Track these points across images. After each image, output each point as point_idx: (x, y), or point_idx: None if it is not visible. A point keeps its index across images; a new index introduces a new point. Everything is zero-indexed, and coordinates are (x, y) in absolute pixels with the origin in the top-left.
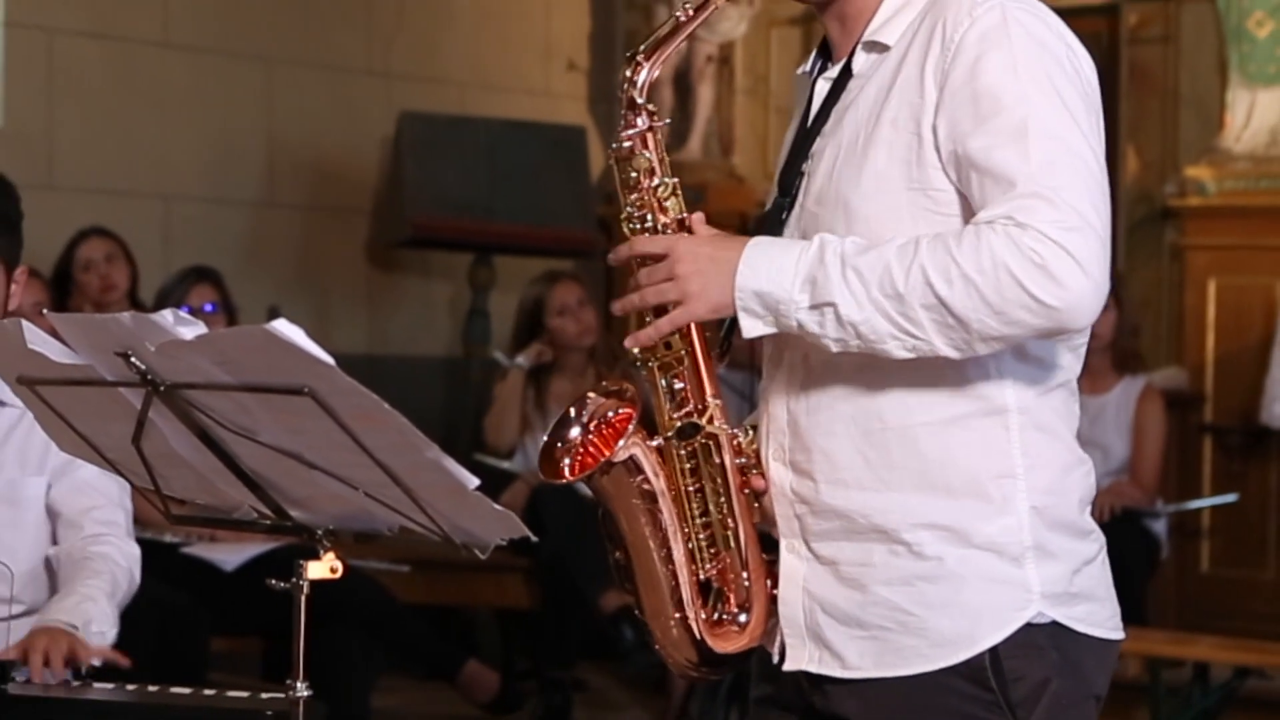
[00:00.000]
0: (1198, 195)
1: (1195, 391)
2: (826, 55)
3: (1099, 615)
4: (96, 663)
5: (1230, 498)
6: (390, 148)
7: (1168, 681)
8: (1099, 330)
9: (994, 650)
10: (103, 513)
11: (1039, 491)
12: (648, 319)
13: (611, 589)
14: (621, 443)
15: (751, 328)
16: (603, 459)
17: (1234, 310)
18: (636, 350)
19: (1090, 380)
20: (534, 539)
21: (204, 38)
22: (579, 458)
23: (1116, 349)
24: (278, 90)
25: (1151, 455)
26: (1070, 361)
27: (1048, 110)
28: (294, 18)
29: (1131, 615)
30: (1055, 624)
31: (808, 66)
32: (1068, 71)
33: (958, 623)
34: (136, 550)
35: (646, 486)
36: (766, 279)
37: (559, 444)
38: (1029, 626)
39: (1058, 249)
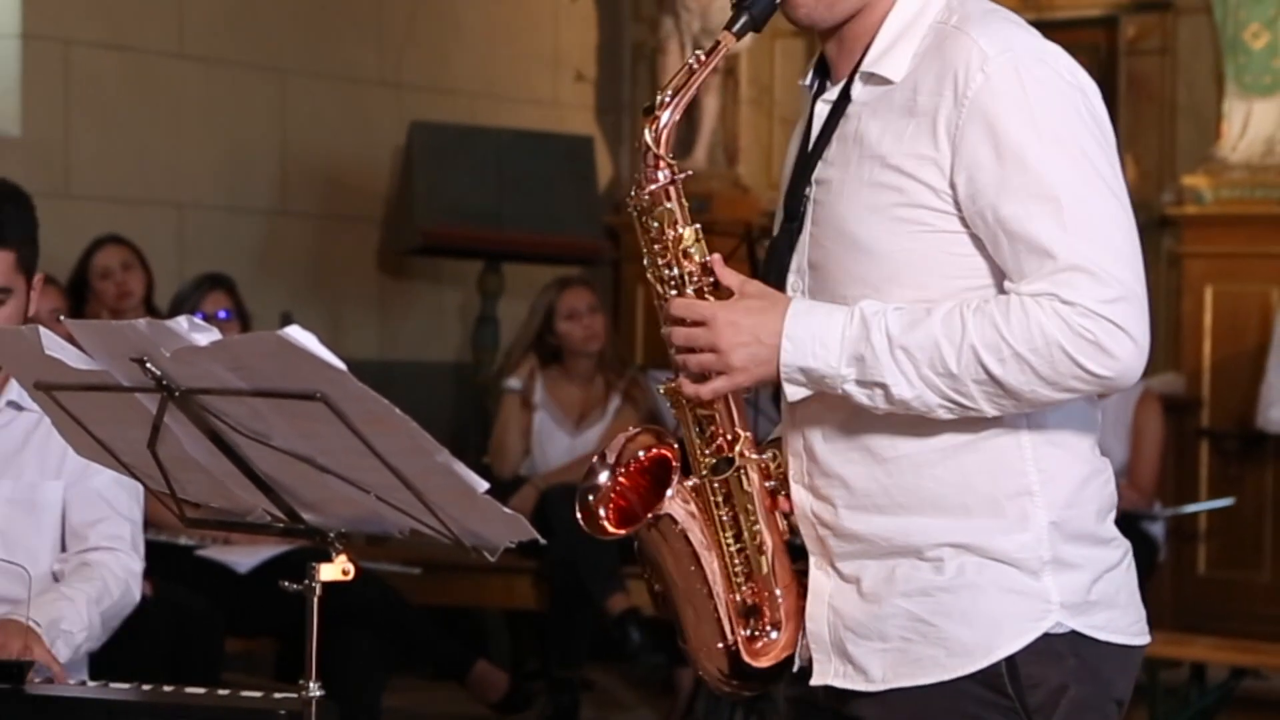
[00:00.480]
0: (1194, 204)
1: (1192, 396)
2: (824, 74)
3: (1120, 622)
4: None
5: (1227, 501)
6: (401, 157)
7: (1165, 682)
8: None
9: (1011, 659)
10: (108, 526)
11: (1056, 506)
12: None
13: (618, 591)
14: (669, 494)
15: (795, 394)
16: (650, 514)
17: (1230, 317)
18: (661, 390)
19: None
20: (542, 542)
21: (218, 49)
22: (615, 505)
23: None
24: (291, 100)
25: (1149, 459)
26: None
27: (1074, 172)
28: (307, 29)
29: None
30: (1074, 632)
31: (807, 80)
32: (1086, 122)
33: (976, 633)
34: (138, 566)
35: (689, 535)
36: (811, 356)
37: (590, 495)
38: (1047, 636)
39: (1106, 323)
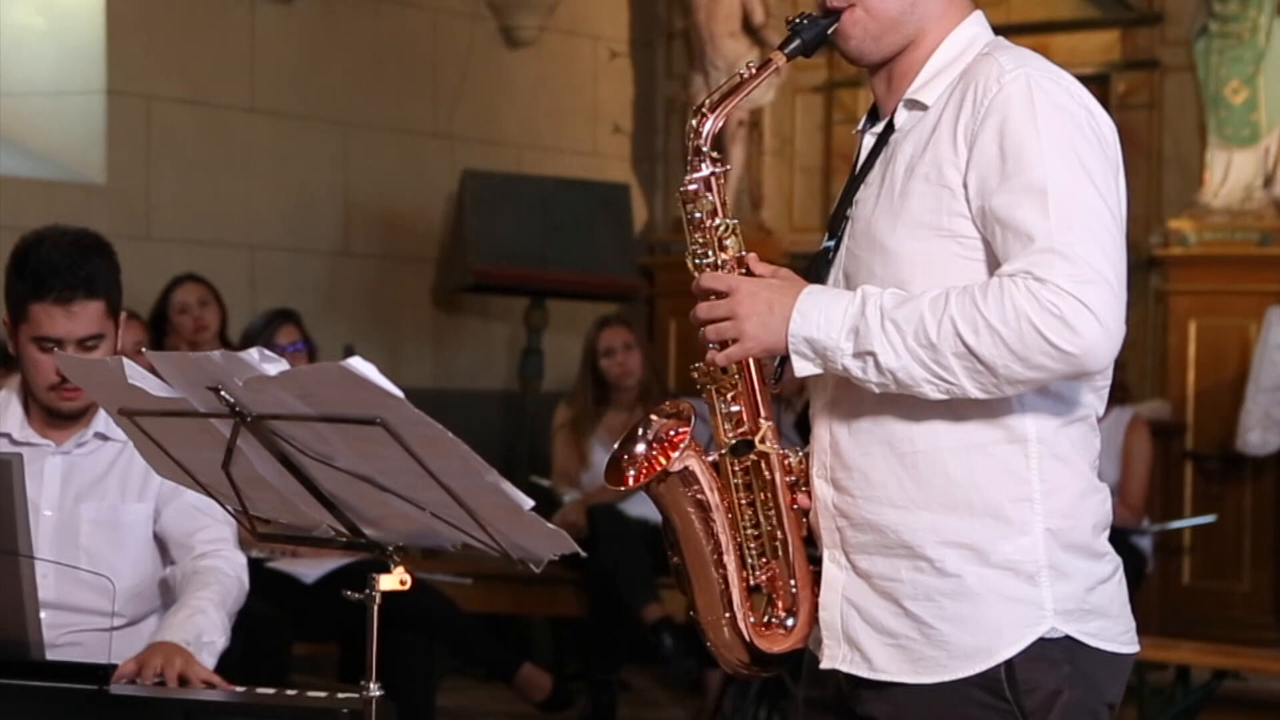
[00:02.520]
0: (1180, 246)
1: (1177, 421)
2: (874, 116)
3: (1112, 630)
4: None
5: (1209, 518)
6: (454, 203)
7: (1153, 683)
8: None
9: (1009, 663)
10: (209, 531)
11: (1055, 515)
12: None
13: (653, 601)
14: (676, 454)
15: (803, 368)
16: (660, 469)
17: (1212, 349)
18: (696, 374)
19: None
20: (584, 555)
21: (286, 104)
22: (642, 469)
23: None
24: (353, 151)
25: (1138, 479)
26: (1092, 400)
27: (1065, 171)
28: (367, 86)
29: None
30: (1069, 638)
31: (860, 126)
32: (1086, 135)
33: (976, 637)
34: (243, 559)
35: (700, 497)
36: (816, 327)
37: (625, 456)
38: (1043, 641)
39: (1074, 300)
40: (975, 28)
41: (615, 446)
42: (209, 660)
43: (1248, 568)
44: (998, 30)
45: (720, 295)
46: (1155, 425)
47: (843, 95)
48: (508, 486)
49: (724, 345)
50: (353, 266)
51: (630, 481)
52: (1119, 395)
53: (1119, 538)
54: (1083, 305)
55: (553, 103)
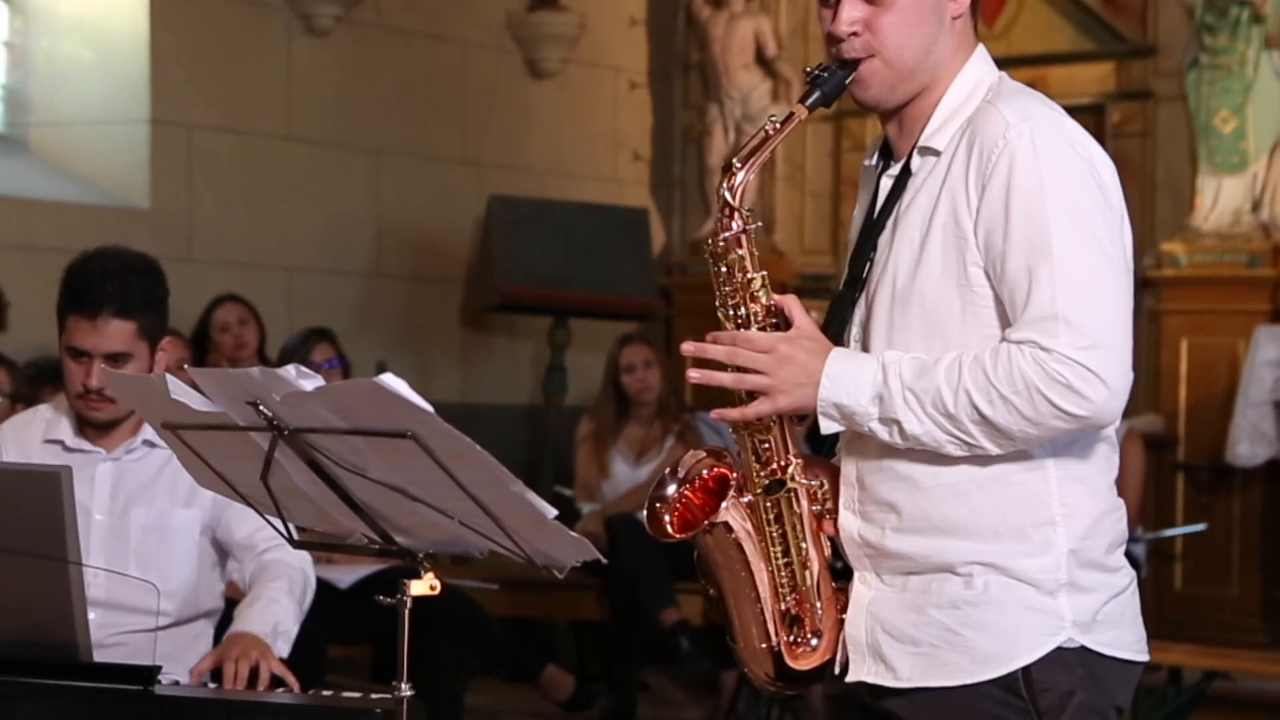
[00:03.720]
0: (1172, 267)
1: (1170, 435)
2: (887, 154)
3: (1124, 640)
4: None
5: (1199, 526)
6: (481, 226)
7: (1146, 683)
8: None
9: (1027, 668)
10: (267, 530)
11: (1075, 536)
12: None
13: (670, 606)
14: (725, 505)
15: (829, 427)
16: (706, 521)
17: (1203, 366)
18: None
19: None
20: (604, 562)
21: (322, 132)
22: (678, 515)
23: None
24: (385, 177)
25: (1132, 489)
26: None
27: (1069, 231)
28: (399, 115)
29: None
30: (1083, 647)
31: (871, 161)
32: (1088, 186)
33: (998, 644)
34: (305, 553)
35: (738, 538)
36: (845, 394)
37: (658, 503)
38: (1060, 649)
39: (1079, 368)
40: (981, 66)
41: (649, 493)
42: (284, 648)
43: (1236, 573)
44: (1000, 63)
45: (758, 350)
46: (1149, 438)
47: (851, 124)
48: (532, 496)
49: (753, 397)
50: (385, 287)
51: (671, 531)
52: None
53: None
54: (1088, 371)
55: (575, 131)
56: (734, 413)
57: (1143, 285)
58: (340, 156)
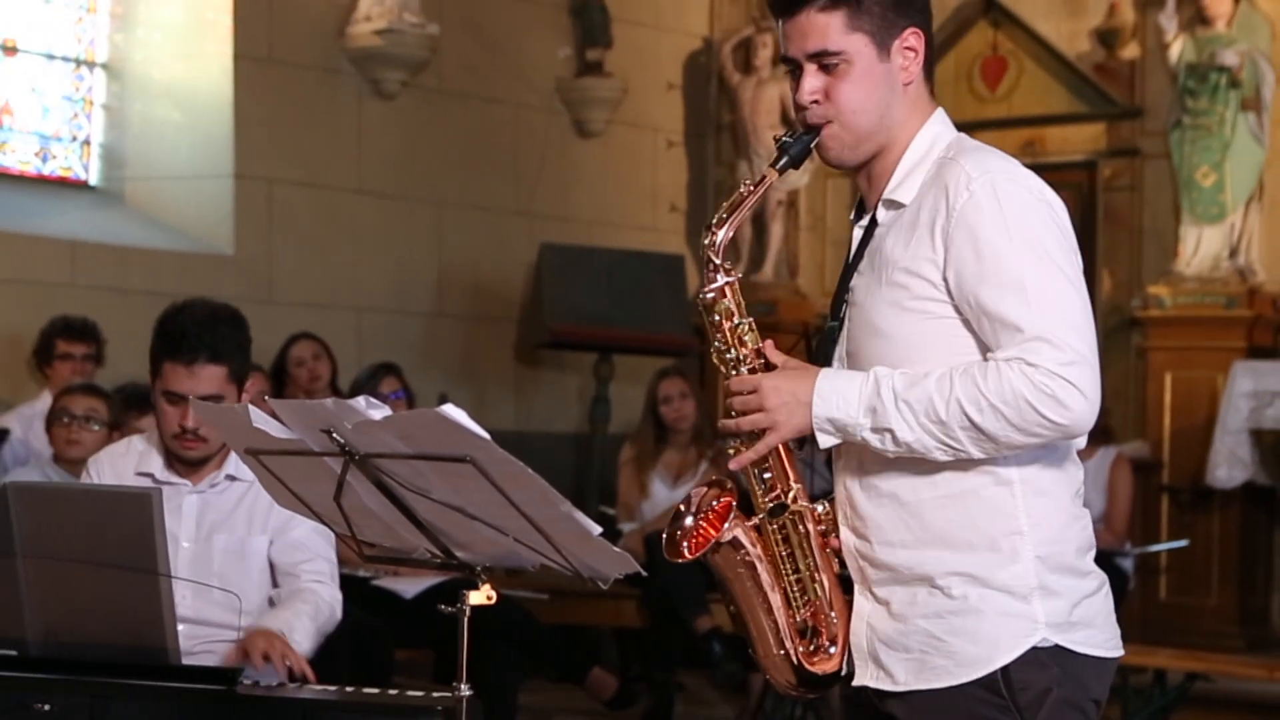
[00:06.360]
0: (1157, 308)
1: (1155, 459)
2: (861, 208)
3: (1097, 638)
4: (288, 665)
5: (1182, 542)
6: (533, 271)
7: (1134, 684)
8: None
9: (1006, 668)
10: (313, 565)
11: (1042, 543)
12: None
13: (704, 614)
14: (727, 525)
15: (825, 441)
16: (713, 541)
17: (1186, 397)
18: (731, 449)
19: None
20: (644, 574)
21: (389, 186)
22: (694, 540)
23: (1095, 426)
24: (446, 226)
25: (1121, 509)
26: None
27: (1036, 265)
28: (459, 171)
29: None
30: (1058, 646)
31: (852, 215)
32: (1048, 224)
33: (979, 647)
34: (339, 595)
35: (747, 557)
36: (836, 408)
37: (677, 532)
38: (1035, 649)
39: (1062, 381)
40: (937, 126)
41: (667, 525)
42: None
43: (1216, 585)
44: (1001, 124)
45: (749, 393)
46: (1136, 462)
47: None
48: (579, 515)
49: (757, 435)
50: (446, 326)
51: (687, 553)
52: (1105, 437)
53: (1105, 559)
54: (1070, 384)
55: (618, 185)
56: (748, 455)
57: (1130, 324)
58: (405, 208)
